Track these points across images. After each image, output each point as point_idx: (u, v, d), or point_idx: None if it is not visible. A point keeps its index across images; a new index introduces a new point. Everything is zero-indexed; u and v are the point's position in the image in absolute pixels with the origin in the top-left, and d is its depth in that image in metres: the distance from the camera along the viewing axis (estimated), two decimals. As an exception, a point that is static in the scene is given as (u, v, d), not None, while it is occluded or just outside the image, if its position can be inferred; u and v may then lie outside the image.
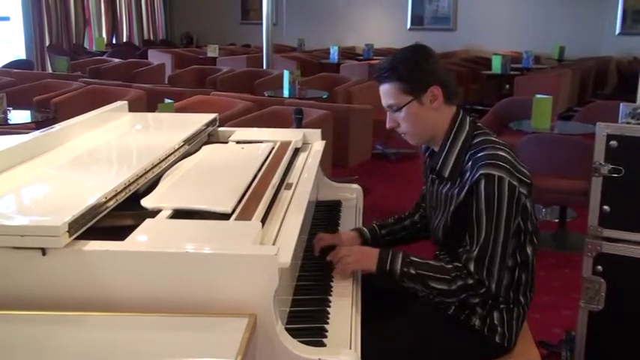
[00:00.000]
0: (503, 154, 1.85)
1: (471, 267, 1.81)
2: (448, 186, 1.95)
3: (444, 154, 1.94)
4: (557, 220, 4.85)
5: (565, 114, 7.69)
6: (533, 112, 5.08)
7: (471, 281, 1.81)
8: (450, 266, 1.85)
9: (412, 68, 1.88)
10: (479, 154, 1.86)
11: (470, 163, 1.87)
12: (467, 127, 1.94)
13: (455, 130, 1.94)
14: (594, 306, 2.40)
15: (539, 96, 5.17)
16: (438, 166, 1.95)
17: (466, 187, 1.85)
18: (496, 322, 1.93)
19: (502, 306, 1.94)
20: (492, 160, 1.83)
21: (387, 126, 1.97)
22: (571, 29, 11.50)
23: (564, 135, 4.78)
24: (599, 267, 2.37)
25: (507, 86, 9.46)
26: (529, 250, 1.93)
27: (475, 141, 1.91)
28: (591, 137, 2.45)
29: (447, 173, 1.93)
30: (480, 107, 9.29)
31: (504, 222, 1.80)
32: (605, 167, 2.32)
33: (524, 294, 1.97)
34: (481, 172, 1.81)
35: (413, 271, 1.85)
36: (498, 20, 12.20)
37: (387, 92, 1.92)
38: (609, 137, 2.31)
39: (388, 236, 2.25)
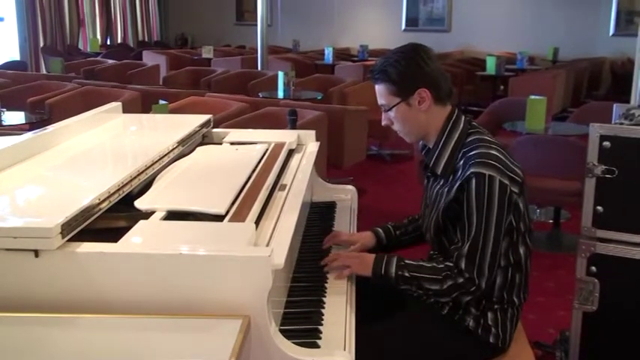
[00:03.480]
0: (496, 153, 1.86)
1: (462, 265, 1.82)
2: (441, 183, 1.97)
3: (437, 152, 1.97)
4: (551, 221, 4.87)
5: (559, 115, 7.71)
6: (528, 113, 5.09)
7: (461, 280, 1.82)
8: (442, 266, 1.86)
9: (400, 71, 1.91)
10: (471, 153, 1.88)
11: (462, 161, 1.89)
12: (461, 126, 1.96)
13: (449, 128, 1.96)
14: (588, 306, 2.41)
15: (533, 97, 5.18)
16: (432, 163, 1.98)
17: (457, 185, 1.87)
18: (490, 322, 1.93)
19: (496, 306, 1.94)
20: (484, 158, 1.84)
21: (382, 123, 2.02)
22: (565, 30, 11.54)
23: (558, 136, 4.79)
24: (593, 267, 2.38)
25: (502, 87, 9.48)
26: (522, 250, 1.93)
27: (469, 139, 1.93)
28: (585, 138, 2.46)
29: (439, 170, 1.96)
30: (475, 108, 9.30)
31: (495, 220, 1.81)
32: (599, 168, 2.33)
33: (518, 295, 1.97)
34: (472, 170, 1.82)
35: (407, 274, 1.87)
36: (493, 21, 12.22)
37: (379, 92, 1.97)
38: (603, 138, 2.31)
39: (403, 236, 2.28)
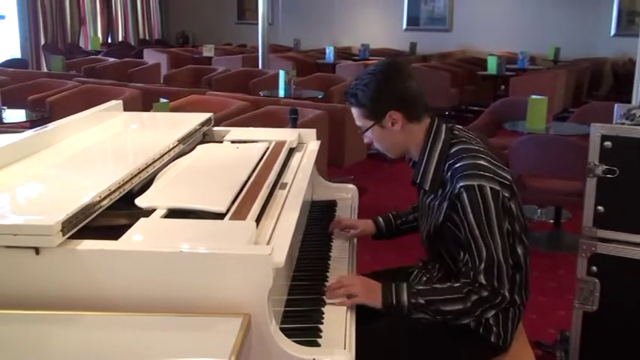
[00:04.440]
0: (482, 162, 1.85)
1: (482, 279, 1.80)
2: (431, 197, 1.97)
3: (422, 168, 1.96)
4: (552, 221, 4.87)
5: (560, 115, 7.70)
6: (529, 112, 5.09)
7: (485, 293, 1.80)
8: (458, 284, 1.83)
9: (370, 96, 1.92)
10: (456, 165, 1.86)
11: (449, 174, 1.88)
12: (442, 137, 1.95)
13: (430, 142, 1.95)
14: (589, 306, 2.41)
15: (534, 97, 5.18)
16: (419, 179, 1.97)
17: (446, 201, 1.87)
18: (491, 322, 1.93)
19: (498, 306, 1.93)
20: (470, 170, 1.83)
21: (364, 142, 2.04)
22: (566, 30, 11.53)
23: (559, 136, 4.79)
24: (594, 267, 2.38)
25: (503, 87, 9.48)
26: (520, 250, 1.93)
27: (452, 150, 1.92)
28: (586, 138, 2.46)
29: (427, 186, 1.95)
30: (476, 108, 9.31)
31: (497, 229, 1.80)
32: (600, 168, 2.32)
33: (520, 294, 1.96)
34: (460, 184, 1.81)
35: (422, 300, 1.81)
36: (494, 21, 12.21)
37: (354, 114, 2.00)
38: (604, 138, 2.31)
39: (403, 225, 2.30)
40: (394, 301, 1.82)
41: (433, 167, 1.93)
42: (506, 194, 1.84)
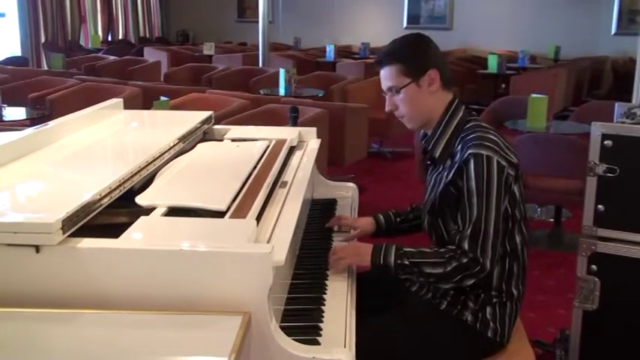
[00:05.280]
0: (493, 137, 1.90)
1: (465, 245, 1.82)
2: (439, 170, 1.99)
3: (436, 137, 2.00)
4: (552, 220, 4.87)
5: (560, 114, 7.71)
6: (529, 111, 5.09)
7: (465, 260, 1.81)
8: (443, 249, 1.86)
9: (411, 51, 1.96)
10: (469, 137, 1.91)
11: (460, 146, 1.92)
12: (460, 114, 2.00)
13: (449, 115, 1.99)
14: (589, 305, 2.41)
15: (534, 95, 5.18)
16: (430, 146, 2.01)
17: (455, 168, 1.89)
18: (488, 317, 1.93)
19: (495, 300, 1.94)
20: (481, 141, 1.87)
21: (386, 109, 2.03)
22: (567, 29, 11.52)
23: (559, 134, 4.79)
24: (594, 266, 2.38)
25: (503, 85, 9.48)
26: (518, 238, 1.94)
27: (467, 126, 1.97)
28: (586, 137, 2.46)
29: (437, 154, 1.99)
30: (476, 106, 9.26)
31: (495, 200, 1.82)
32: (600, 167, 2.32)
33: (517, 286, 1.97)
34: (470, 151, 1.85)
35: (407, 262, 1.86)
36: (494, 20, 12.21)
37: (387, 75, 1.98)
38: (604, 137, 2.31)
39: (403, 224, 2.31)
40: (382, 261, 1.88)
41: (446, 138, 1.97)
42: (512, 172, 1.87)
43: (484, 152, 1.84)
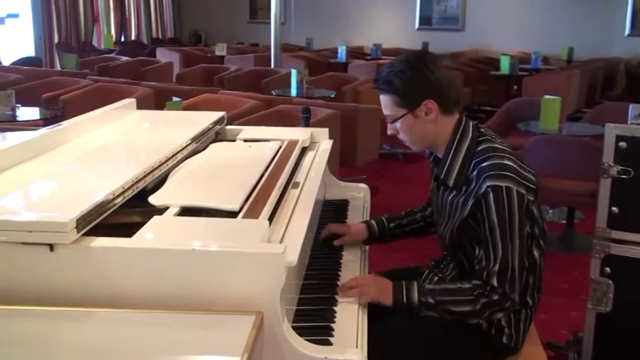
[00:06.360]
0: (509, 162, 1.83)
1: (494, 282, 1.78)
2: (453, 194, 1.93)
3: (447, 164, 1.92)
4: (564, 222, 4.84)
5: (573, 115, 7.67)
6: (542, 113, 5.06)
7: (495, 297, 1.78)
8: (469, 285, 1.81)
9: (406, 81, 1.87)
10: (484, 164, 1.83)
11: (475, 173, 1.85)
12: (470, 135, 1.92)
13: (458, 138, 1.92)
14: (602, 308, 2.39)
15: (547, 97, 5.15)
16: (442, 175, 1.93)
17: (472, 199, 1.83)
18: (503, 323, 1.92)
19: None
20: (498, 170, 1.80)
21: (388, 133, 1.99)
22: (580, 30, 11.46)
23: (572, 136, 4.76)
24: (607, 269, 2.37)
25: (515, 87, 9.43)
26: (536, 253, 1.92)
27: (479, 148, 1.89)
28: (600, 139, 2.44)
29: (451, 182, 1.91)
30: (488, 108, 9.27)
31: (518, 232, 1.78)
32: (614, 168, 2.31)
33: (532, 295, 1.96)
34: (488, 183, 1.78)
35: (431, 300, 1.81)
36: (507, 21, 12.16)
37: (383, 103, 1.95)
38: (618, 138, 2.29)
39: (396, 229, 2.26)
40: (404, 299, 1.82)
41: (459, 164, 1.89)
42: (531, 198, 1.83)
43: (503, 184, 1.78)
